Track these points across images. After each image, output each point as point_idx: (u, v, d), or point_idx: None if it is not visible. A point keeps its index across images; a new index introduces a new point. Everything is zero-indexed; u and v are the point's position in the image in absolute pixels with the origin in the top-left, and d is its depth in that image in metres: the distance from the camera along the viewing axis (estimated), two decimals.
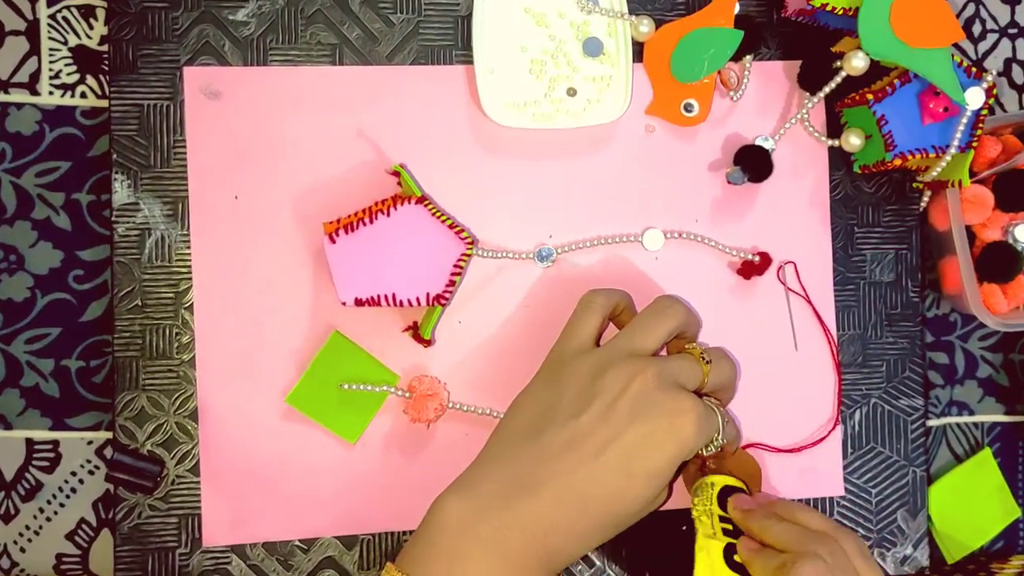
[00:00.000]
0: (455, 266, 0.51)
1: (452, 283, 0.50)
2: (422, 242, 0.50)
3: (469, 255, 0.51)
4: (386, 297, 0.50)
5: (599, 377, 0.46)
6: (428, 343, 0.52)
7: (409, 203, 0.50)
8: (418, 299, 0.50)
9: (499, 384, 0.54)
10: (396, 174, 0.52)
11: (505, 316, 0.55)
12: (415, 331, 0.53)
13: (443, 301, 0.51)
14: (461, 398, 0.54)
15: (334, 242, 0.49)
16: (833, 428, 0.57)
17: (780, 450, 0.57)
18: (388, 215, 0.50)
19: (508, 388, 0.52)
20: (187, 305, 0.52)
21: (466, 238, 0.51)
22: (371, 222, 0.50)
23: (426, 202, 0.51)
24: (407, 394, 0.53)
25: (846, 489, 0.58)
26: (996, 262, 0.58)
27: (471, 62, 0.54)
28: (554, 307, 0.55)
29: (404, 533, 0.54)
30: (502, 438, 0.48)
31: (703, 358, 0.49)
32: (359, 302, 0.50)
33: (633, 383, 0.45)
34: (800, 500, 0.57)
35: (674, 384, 0.46)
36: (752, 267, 0.56)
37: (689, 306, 0.50)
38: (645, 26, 0.55)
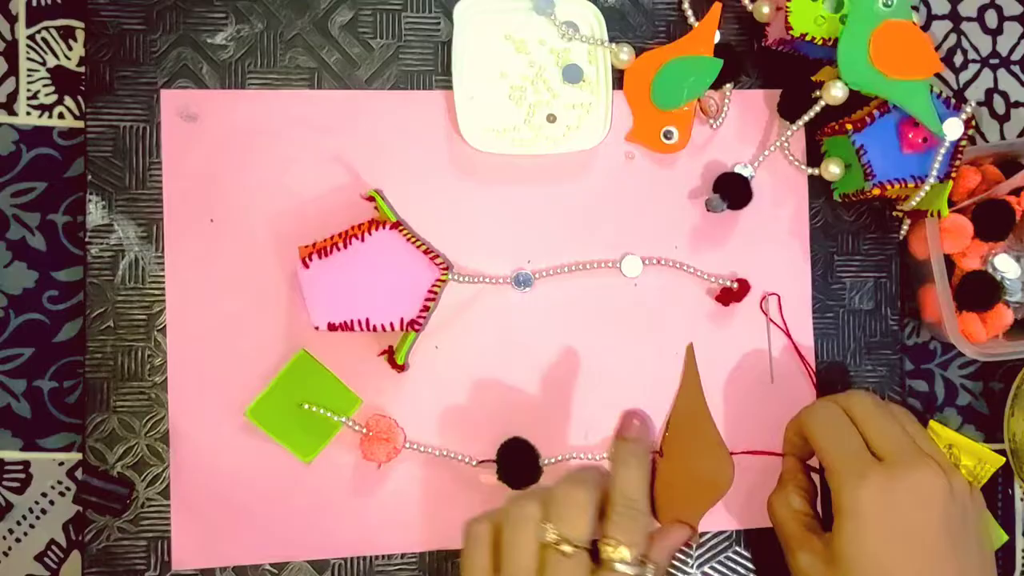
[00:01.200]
0: (429, 292, 0.50)
1: (426, 308, 0.50)
2: (396, 267, 0.50)
3: (444, 280, 0.51)
4: (359, 322, 0.50)
5: None
6: (402, 368, 0.52)
7: (384, 228, 0.50)
8: (392, 324, 0.50)
9: (473, 410, 0.54)
10: (372, 199, 0.52)
11: (482, 342, 0.55)
12: (390, 356, 0.52)
13: (417, 327, 0.50)
14: (431, 426, 0.54)
15: (307, 267, 0.49)
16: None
17: (755, 453, 0.57)
18: (363, 240, 0.50)
19: (480, 415, 0.52)
20: (160, 327, 0.52)
21: (441, 263, 0.51)
22: (345, 247, 0.50)
23: (401, 227, 0.51)
24: (363, 429, 0.52)
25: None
26: (975, 291, 0.58)
27: (451, 88, 0.54)
28: (532, 333, 0.55)
29: (376, 558, 0.54)
30: None
31: (558, 547, 0.45)
32: (332, 327, 0.50)
33: None
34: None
35: None
36: (731, 294, 0.56)
37: (531, 498, 0.47)
38: (625, 54, 0.55)
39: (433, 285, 0.51)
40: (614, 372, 0.56)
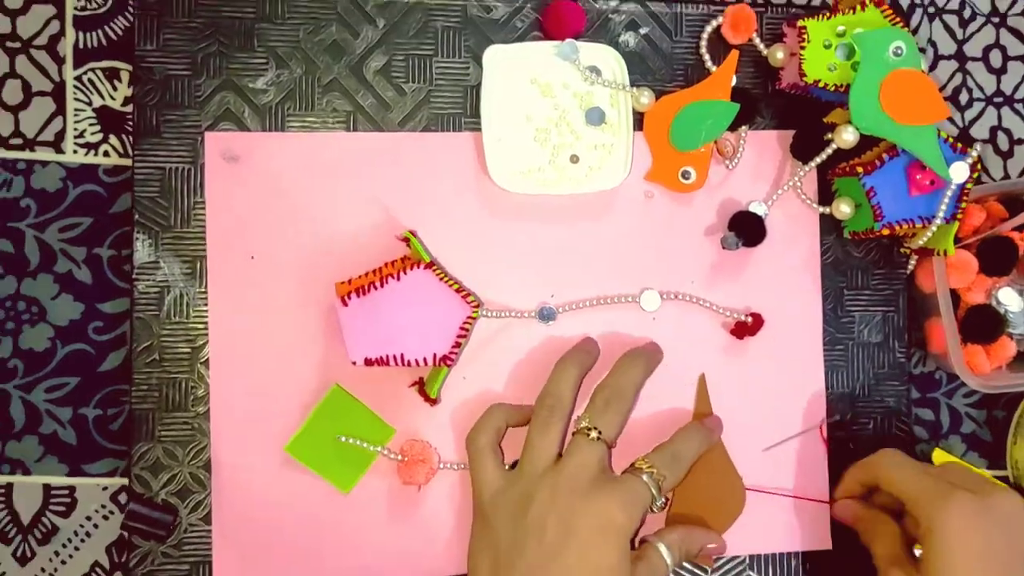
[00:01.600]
0: (461, 328, 0.53)
1: (458, 344, 0.53)
2: (430, 305, 0.53)
3: (475, 318, 0.53)
4: (395, 357, 0.52)
5: (522, 514, 0.49)
6: (434, 402, 0.55)
7: (418, 268, 0.53)
8: (425, 359, 0.53)
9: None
10: (406, 240, 0.55)
11: (508, 372, 0.57)
12: (421, 388, 0.55)
13: (449, 362, 0.53)
14: (461, 450, 0.56)
15: (346, 304, 0.51)
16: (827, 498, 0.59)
17: (770, 492, 0.59)
18: (398, 279, 0.52)
19: (506, 442, 0.54)
20: (203, 360, 0.55)
21: (472, 302, 0.53)
22: (382, 285, 0.52)
23: (434, 267, 0.53)
24: (399, 456, 0.55)
25: (834, 542, 0.60)
26: (980, 324, 0.60)
27: (479, 129, 0.57)
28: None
29: None
30: None
31: (587, 433, 0.51)
32: (368, 362, 0.52)
33: (553, 504, 0.49)
34: (788, 554, 0.59)
35: (586, 479, 0.50)
36: (745, 328, 0.59)
37: (563, 383, 0.53)
38: (646, 97, 0.57)
39: (464, 322, 0.53)
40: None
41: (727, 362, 0.59)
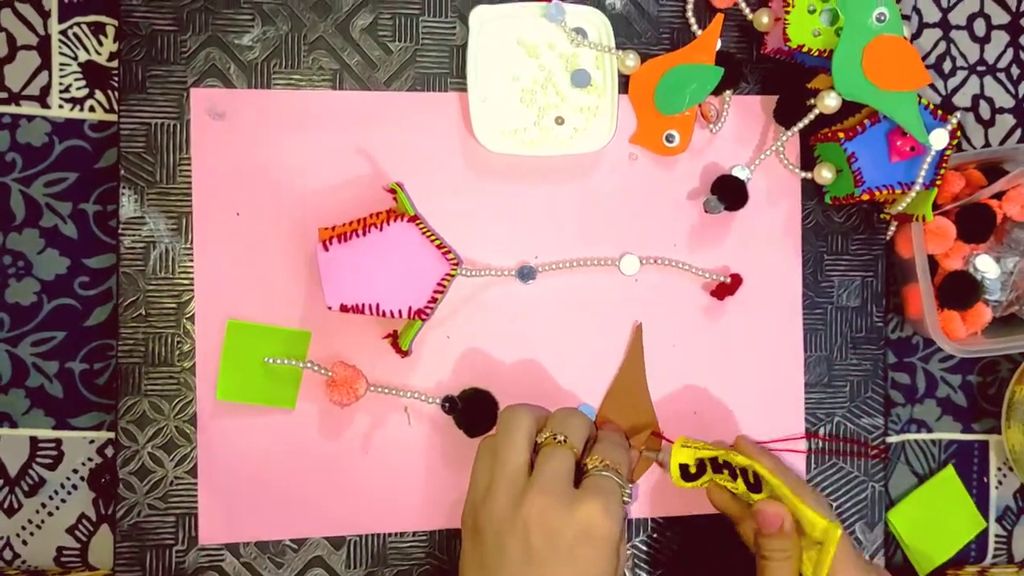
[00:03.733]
0: (439, 284, 0.53)
1: (434, 300, 0.53)
2: (410, 258, 0.53)
3: (453, 275, 0.54)
4: (370, 306, 0.52)
5: (504, 530, 0.48)
6: (405, 354, 0.55)
7: (402, 220, 0.53)
8: (400, 311, 0.53)
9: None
10: (392, 191, 0.55)
11: (488, 329, 0.58)
12: (394, 340, 0.55)
13: (424, 316, 0.53)
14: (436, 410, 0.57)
15: (327, 249, 0.52)
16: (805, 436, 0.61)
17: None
18: (381, 229, 0.53)
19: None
20: (189, 315, 0.55)
21: (452, 259, 0.54)
22: (364, 234, 0.52)
23: (418, 221, 0.53)
24: (326, 371, 0.54)
25: None
26: (956, 290, 0.61)
27: (465, 90, 0.57)
28: (534, 322, 0.58)
29: (389, 535, 0.57)
30: None
31: (554, 438, 0.51)
32: (344, 308, 0.52)
33: (530, 519, 0.48)
34: None
35: (561, 488, 0.49)
36: (725, 288, 0.59)
37: (527, 407, 0.53)
38: (631, 60, 0.58)
39: (443, 279, 0.53)
40: (612, 360, 0.59)
41: (707, 325, 0.60)
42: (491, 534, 0.49)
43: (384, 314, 0.53)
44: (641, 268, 0.59)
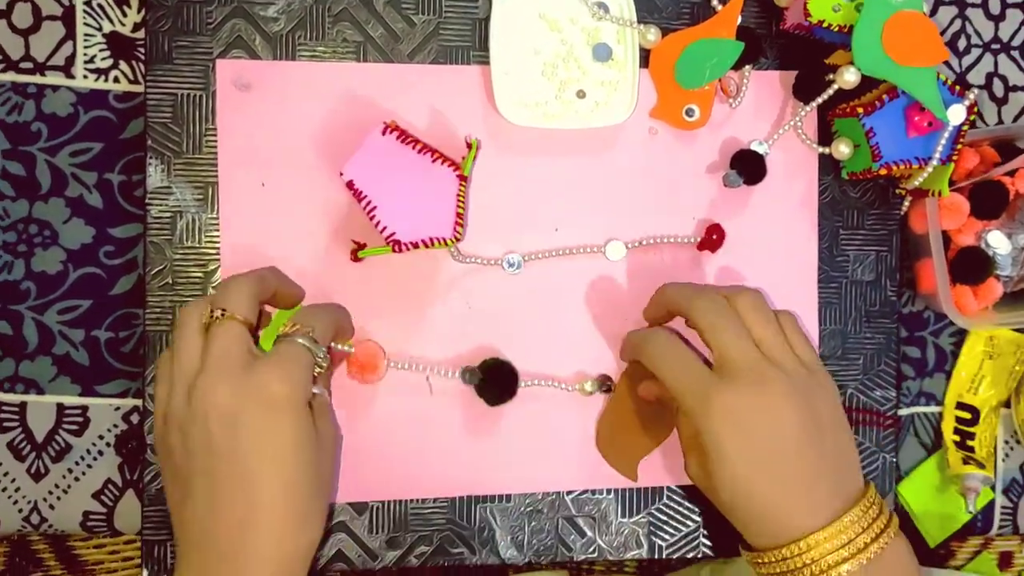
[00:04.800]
0: (429, 241, 0.53)
1: (416, 247, 0.53)
2: (430, 203, 0.54)
3: (447, 247, 0.55)
4: (369, 203, 0.53)
5: (187, 431, 0.46)
6: (358, 260, 0.56)
7: (455, 171, 0.54)
8: (385, 228, 0.53)
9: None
10: (469, 146, 0.56)
11: (512, 300, 0.59)
12: (355, 251, 0.55)
13: (396, 249, 0.53)
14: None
15: (383, 134, 0.53)
16: None
17: None
18: (433, 162, 0.54)
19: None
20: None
21: (457, 233, 0.54)
22: (419, 153, 0.54)
23: (464, 183, 0.54)
24: (349, 347, 0.54)
25: None
26: (969, 265, 0.62)
27: (487, 63, 0.57)
28: (558, 295, 0.59)
29: (411, 501, 0.58)
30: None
31: (213, 316, 0.47)
32: (351, 186, 0.53)
33: (206, 406, 0.45)
34: None
35: (231, 365, 0.45)
36: (710, 242, 0.60)
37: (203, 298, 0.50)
38: (652, 34, 0.58)
39: (436, 240, 0.54)
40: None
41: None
42: (178, 445, 0.46)
43: (373, 219, 0.53)
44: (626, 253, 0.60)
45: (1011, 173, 0.63)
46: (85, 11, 0.58)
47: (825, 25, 0.57)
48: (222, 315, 0.47)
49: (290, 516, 0.45)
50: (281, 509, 0.45)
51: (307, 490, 0.46)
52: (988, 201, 0.62)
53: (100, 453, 0.59)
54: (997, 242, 0.63)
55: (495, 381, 0.57)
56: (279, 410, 0.45)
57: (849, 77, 0.57)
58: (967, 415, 0.66)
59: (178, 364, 0.47)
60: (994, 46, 0.67)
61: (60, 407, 0.58)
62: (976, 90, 0.58)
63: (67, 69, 0.58)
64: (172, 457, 0.47)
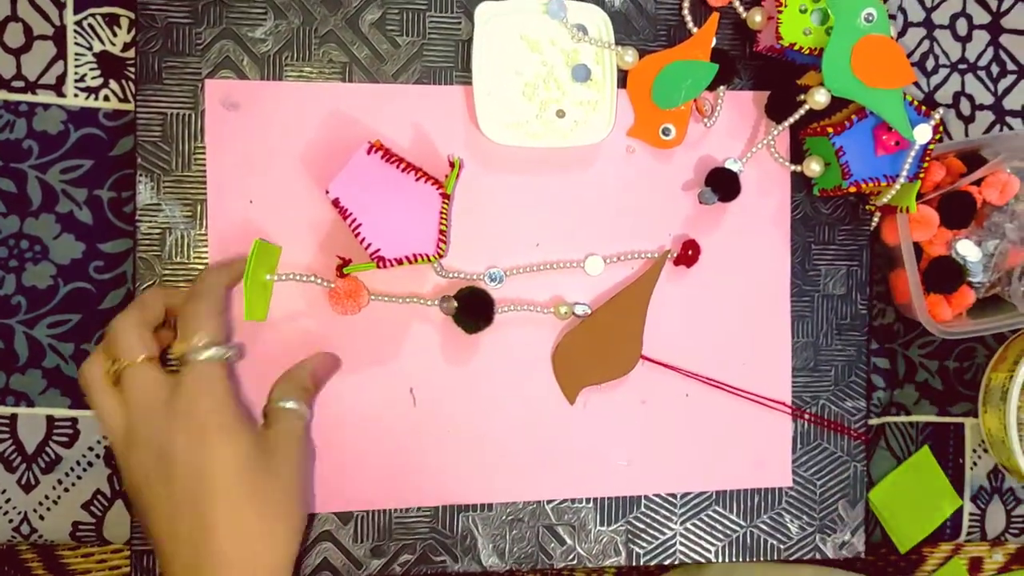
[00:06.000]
0: (413, 257, 0.55)
1: (398, 264, 0.55)
2: (413, 220, 0.55)
3: (430, 261, 0.56)
4: (353, 221, 0.54)
5: (134, 472, 0.50)
6: (343, 276, 0.57)
7: (437, 189, 0.55)
8: (369, 245, 0.54)
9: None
10: (452, 165, 0.57)
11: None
12: (340, 266, 0.56)
13: (381, 265, 0.54)
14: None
15: (368, 153, 0.55)
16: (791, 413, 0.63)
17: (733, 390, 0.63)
18: (416, 180, 0.55)
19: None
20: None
21: (440, 250, 0.55)
22: (403, 172, 0.55)
23: (446, 201, 0.55)
24: (329, 283, 0.57)
25: (794, 480, 0.64)
26: (941, 275, 0.64)
27: (470, 83, 0.59)
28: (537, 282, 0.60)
29: (395, 510, 0.59)
30: None
31: (114, 365, 0.50)
32: (336, 204, 0.54)
33: (155, 451, 0.48)
34: (751, 490, 0.63)
35: (151, 400, 0.49)
36: (685, 257, 0.61)
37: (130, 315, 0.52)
38: (630, 56, 0.60)
39: (418, 257, 0.55)
40: None
41: (699, 311, 0.63)
42: (140, 482, 0.49)
43: (358, 235, 0.54)
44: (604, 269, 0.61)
45: (978, 182, 0.64)
46: (76, 31, 0.59)
47: (796, 48, 0.59)
48: (123, 365, 0.50)
49: (249, 535, 0.48)
50: (235, 530, 0.47)
51: (262, 507, 0.48)
52: (957, 211, 0.63)
53: (90, 464, 0.60)
54: (967, 250, 0.64)
55: (471, 308, 0.58)
56: (211, 432, 0.48)
57: (820, 98, 0.59)
58: None
59: (105, 427, 0.50)
60: (961, 66, 0.69)
61: (50, 419, 0.59)
62: (942, 110, 0.59)
63: (58, 88, 0.59)
64: (139, 494, 0.49)
